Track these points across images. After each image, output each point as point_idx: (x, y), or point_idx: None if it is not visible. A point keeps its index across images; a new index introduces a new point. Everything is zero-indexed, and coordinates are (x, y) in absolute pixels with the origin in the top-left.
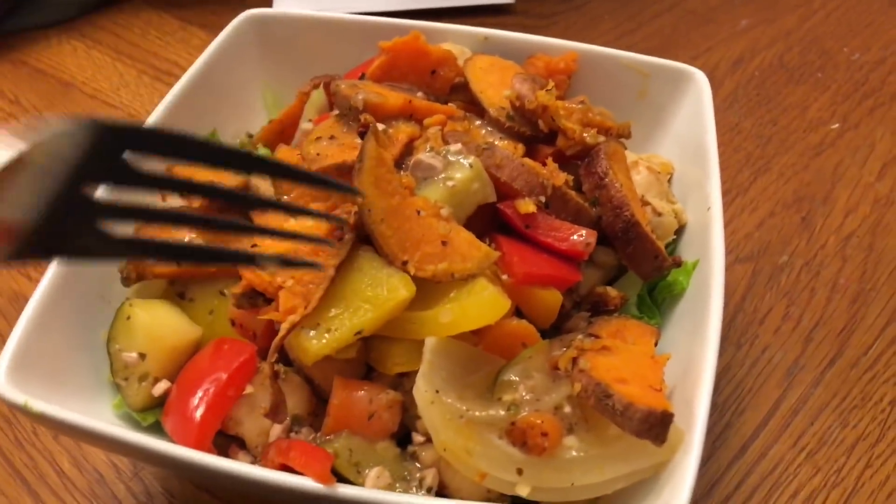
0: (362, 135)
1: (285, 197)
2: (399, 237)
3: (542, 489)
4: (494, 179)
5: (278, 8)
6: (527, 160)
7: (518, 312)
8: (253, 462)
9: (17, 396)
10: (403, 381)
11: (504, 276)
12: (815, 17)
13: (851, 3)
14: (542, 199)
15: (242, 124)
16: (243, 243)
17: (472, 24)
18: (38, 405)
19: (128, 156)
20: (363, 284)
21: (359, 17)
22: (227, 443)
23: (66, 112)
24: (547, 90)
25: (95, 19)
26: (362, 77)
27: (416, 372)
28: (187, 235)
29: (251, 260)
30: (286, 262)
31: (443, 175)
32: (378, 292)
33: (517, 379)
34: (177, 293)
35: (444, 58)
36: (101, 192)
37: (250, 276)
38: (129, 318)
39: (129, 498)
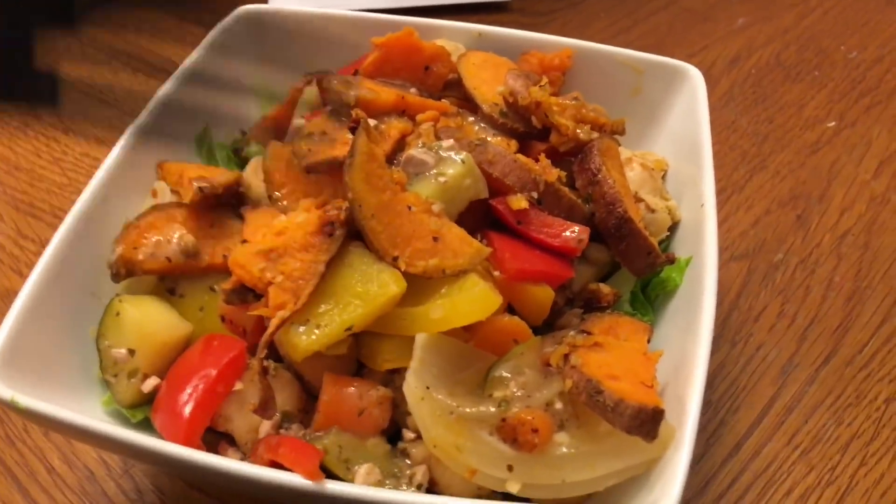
0: (353, 130)
1: (277, 193)
2: (390, 233)
3: (532, 486)
4: (487, 175)
5: (273, 4)
6: (519, 156)
7: (510, 309)
8: (242, 458)
9: (4, 392)
10: (394, 378)
11: (496, 273)
12: (812, 16)
13: (848, 1)
14: (535, 195)
15: (235, 120)
16: (233, 239)
17: (469, 22)
18: (25, 400)
19: None
20: (353, 280)
21: (353, 13)
22: (216, 439)
23: (61, 109)
24: (540, 86)
25: (91, 16)
26: (356, 73)
27: (406, 368)
28: (178, 231)
29: None
30: None
31: (434, 171)
32: (368, 288)
33: (508, 375)
34: (167, 289)
35: (438, 54)
36: None
37: (240, 272)
38: (118, 314)
39: (119, 495)
